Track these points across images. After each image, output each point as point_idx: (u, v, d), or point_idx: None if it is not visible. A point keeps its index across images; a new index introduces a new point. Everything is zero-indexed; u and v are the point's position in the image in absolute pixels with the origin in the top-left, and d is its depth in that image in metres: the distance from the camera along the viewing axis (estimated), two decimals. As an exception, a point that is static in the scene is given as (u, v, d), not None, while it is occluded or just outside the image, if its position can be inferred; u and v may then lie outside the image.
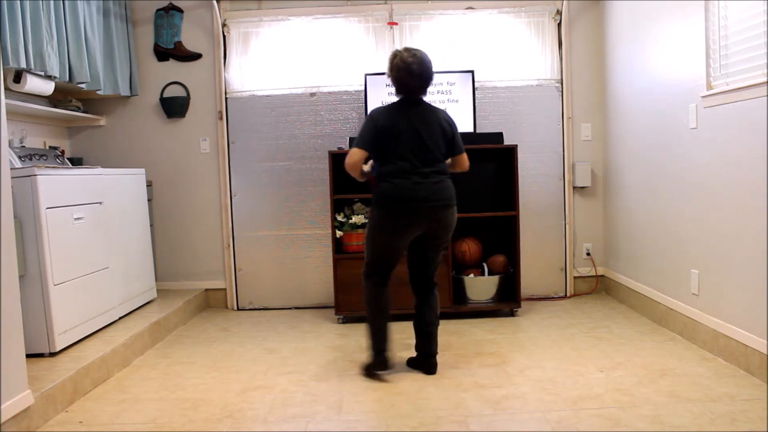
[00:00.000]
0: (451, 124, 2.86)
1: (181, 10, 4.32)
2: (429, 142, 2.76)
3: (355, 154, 2.76)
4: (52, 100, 3.95)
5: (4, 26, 2.94)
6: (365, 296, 2.90)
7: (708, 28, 2.96)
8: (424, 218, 2.77)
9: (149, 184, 4.22)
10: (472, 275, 3.89)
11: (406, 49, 2.77)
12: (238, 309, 4.42)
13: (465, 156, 2.92)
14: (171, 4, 4.31)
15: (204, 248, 4.43)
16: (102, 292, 3.31)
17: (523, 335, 3.48)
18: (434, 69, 2.83)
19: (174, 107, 4.34)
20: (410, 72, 2.72)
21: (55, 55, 3.34)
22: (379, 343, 2.85)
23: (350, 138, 3.98)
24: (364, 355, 3.19)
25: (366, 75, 4.05)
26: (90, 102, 4.32)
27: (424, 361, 2.90)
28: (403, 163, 2.75)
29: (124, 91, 4.16)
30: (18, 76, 3.23)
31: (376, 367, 2.85)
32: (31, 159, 3.49)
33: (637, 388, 2.61)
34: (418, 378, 2.84)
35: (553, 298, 4.40)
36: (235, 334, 3.73)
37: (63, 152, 4.01)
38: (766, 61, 2.53)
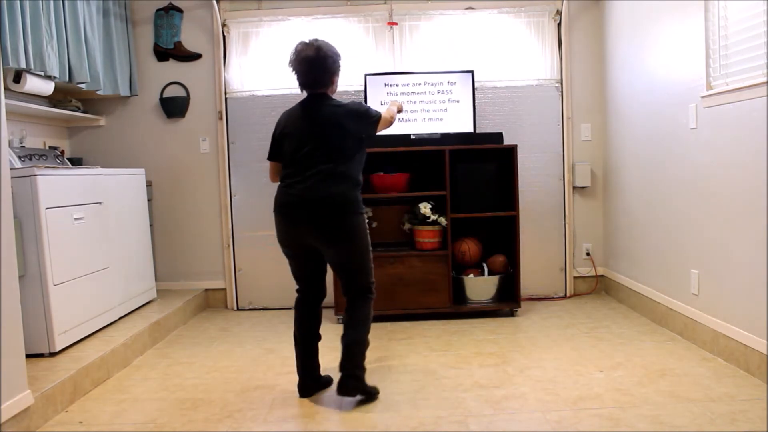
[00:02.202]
0: (358, 116, 2.56)
1: (180, 10, 4.32)
2: (315, 143, 2.49)
3: (270, 168, 2.72)
4: (52, 100, 3.95)
5: (4, 26, 2.94)
6: None
7: (708, 28, 2.96)
8: (302, 227, 2.50)
9: (149, 184, 4.22)
10: (472, 275, 3.89)
11: (309, 40, 2.56)
12: (237, 309, 4.42)
13: (379, 120, 2.61)
14: (171, 4, 4.30)
15: (204, 248, 4.43)
16: (102, 292, 3.31)
17: (523, 335, 3.48)
18: (340, 62, 2.59)
19: (174, 107, 4.34)
20: (300, 60, 2.52)
21: (54, 55, 3.34)
22: (298, 367, 2.67)
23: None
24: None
25: (366, 75, 4.05)
26: (90, 102, 4.31)
27: (340, 378, 2.51)
28: (289, 168, 2.56)
29: (124, 91, 4.16)
30: (18, 76, 3.23)
31: (298, 390, 2.66)
32: (30, 159, 3.49)
33: (637, 388, 2.61)
34: (418, 378, 2.84)
35: (553, 298, 4.40)
36: (235, 334, 3.73)
37: (63, 152, 4.01)
38: (766, 61, 2.53)
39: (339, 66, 2.60)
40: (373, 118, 2.60)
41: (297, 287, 2.74)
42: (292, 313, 4.21)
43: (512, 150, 3.86)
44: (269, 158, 2.69)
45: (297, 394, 2.68)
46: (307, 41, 2.55)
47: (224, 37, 4.33)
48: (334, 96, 2.66)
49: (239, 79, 4.34)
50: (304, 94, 2.63)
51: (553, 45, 4.32)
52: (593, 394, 2.56)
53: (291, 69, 2.58)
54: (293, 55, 2.56)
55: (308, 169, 2.49)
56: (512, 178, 3.86)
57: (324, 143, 2.50)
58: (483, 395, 2.60)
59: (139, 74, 4.35)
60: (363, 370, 2.53)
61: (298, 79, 2.58)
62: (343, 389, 2.48)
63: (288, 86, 4.32)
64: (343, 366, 2.50)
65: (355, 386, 2.49)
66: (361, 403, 2.55)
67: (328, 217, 2.46)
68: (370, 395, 2.56)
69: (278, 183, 2.65)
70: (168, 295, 4.17)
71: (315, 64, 2.52)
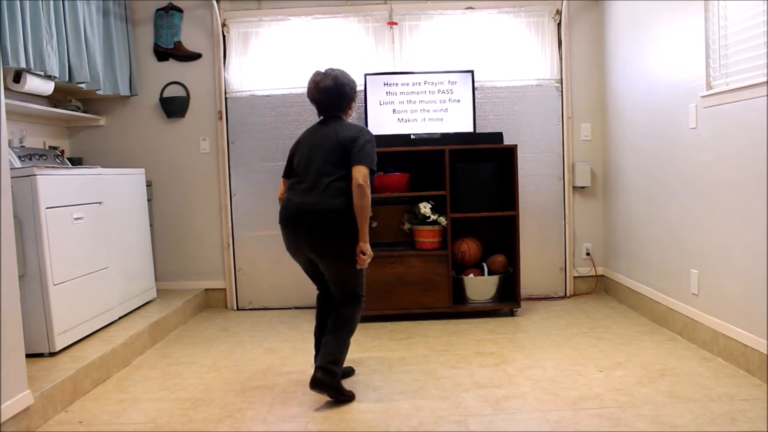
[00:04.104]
0: (354, 139, 2.56)
1: (180, 10, 4.32)
2: (316, 159, 2.59)
3: (280, 185, 2.81)
4: (52, 100, 3.95)
5: (4, 26, 2.94)
6: None
7: (708, 28, 2.96)
8: (297, 238, 2.60)
9: (149, 184, 4.22)
10: (472, 275, 3.89)
11: (325, 70, 2.68)
12: (237, 309, 4.42)
13: (359, 169, 2.51)
14: (171, 4, 4.30)
15: (204, 248, 4.43)
16: (102, 292, 3.31)
17: (523, 335, 3.48)
18: (356, 88, 2.72)
19: (174, 107, 4.34)
20: (319, 90, 2.64)
21: (54, 55, 3.34)
22: (315, 356, 2.74)
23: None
24: (362, 356, 3.19)
25: (366, 75, 4.05)
26: (90, 102, 4.32)
27: (314, 372, 2.51)
28: (293, 181, 2.67)
29: (124, 91, 4.16)
30: (18, 76, 3.23)
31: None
32: (30, 159, 3.49)
33: (637, 388, 2.61)
34: (417, 378, 2.84)
35: (553, 298, 4.40)
36: (235, 334, 3.73)
37: (63, 152, 4.01)
38: (766, 61, 2.53)
39: (356, 92, 2.73)
40: (362, 158, 2.52)
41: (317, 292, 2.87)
42: (291, 312, 4.27)
43: (512, 150, 3.86)
44: (283, 175, 2.81)
45: (297, 393, 2.69)
46: (323, 71, 2.67)
47: (224, 36, 4.33)
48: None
49: (239, 79, 4.34)
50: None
51: (552, 45, 4.32)
52: (593, 394, 2.57)
53: (309, 99, 2.69)
54: (312, 85, 2.66)
55: (307, 181, 2.58)
56: (512, 178, 3.86)
57: (325, 158, 2.57)
58: (483, 395, 2.60)
59: (139, 74, 4.35)
60: (338, 366, 2.53)
61: (317, 107, 2.70)
62: (315, 383, 2.47)
63: (288, 86, 4.32)
64: (320, 359, 2.51)
65: (327, 382, 2.47)
66: (359, 402, 2.56)
67: (320, 229, 2.52)
68: (343, 397, 2.54)
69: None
70: (168, 295, 4.17)
71: (333, 94, 2.64)
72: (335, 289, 2.64)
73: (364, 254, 2.53)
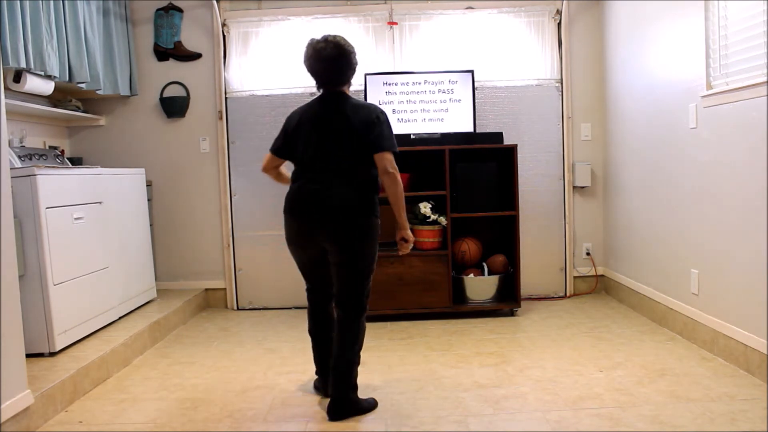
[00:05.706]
0: (371, 123, 2.39)
1: (180, 10, 4.31)
2: (330, 146, 2.41)
3: (264, 159, 2.62)
4: (52, 100, 3.95)
5: (4, 26, 2.94)
6: None
7: (708, 28, 2.96)
8: (314, 227, 2.42)
9: (149, 184, 4.22)
10: (472, 275, 3.89)
11: (323, 36, 2.44)
12: (237, 309, 4.42)
13: (384, 156, 2.40)
14: (171, 3, 4.30)
15: (204, 248, 4.43)
16: (102, 292, 3.31)
17: (522, 335, 3.48)
18: (356, 54, 2.47)
19: (174, 107, 4.34)
20: (320, 59, 2.39)
21: (54, 55, 3.34)
22: (315, 361, 2.68)
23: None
24: (362, 356, 3.18)
25: (366, 75, 4.05)
26: (90, 102, 4.31)
27: (331, 401, 2.44)
28: (302, 166, 2.48)
29: (124, 90, 4.16)
30: (18, 76, 3.23)
31: (314, 386, 2.72)
32: (30, 159, 3.49)
33: (637, 388, 2.61)
34: (417, 378, 2.84)
35: (553, 297, 4.40)
36: (235, 334, 3.73)
37: (63, 152, 4.01)
38: (766, 61, 2.53)
39: (357, 61, 2.49)
40: (384, 143, 2.40)
41: (308, 295, 2.67)
42: (291, 312, 4.27)
43: (512, 150, 3.86)
44: (273, 151, 2.58)
45: (297, 393, 2.69)
46: (322, 38, 2.43)
47: (224, 36, 4.33)
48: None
49: (239, 79, 4.34)
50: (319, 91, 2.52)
51: (553, 45, 4.32)
52: (593, 394, 2.57)
53: (307, 68, 2.45)
54: (310, 53, 2.42)
55: (325, 168, 2.41)
56: (512, 178, 3.86)
57: (342, 143, 2.40)
58: (483, 395, 2.60)
59: (139, 74, 4.35)
60: (352, 387, 2.45)
61: (317, 78, 2.46)
62: (335, 413, 2.40)
63: (288, 86, 4.32)
64: (334, 388, 2.43)
65: (348, 410, 2.42)
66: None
67: (341, 217, 2.38)
68: (365, 412, 2.46)
69: (268, 175, 2.66)
70: (168, 295, 4.17)
71: (337, 63, 2.41)
72: (342, 290, 2.46)
73: (406, 241, 2.51)
